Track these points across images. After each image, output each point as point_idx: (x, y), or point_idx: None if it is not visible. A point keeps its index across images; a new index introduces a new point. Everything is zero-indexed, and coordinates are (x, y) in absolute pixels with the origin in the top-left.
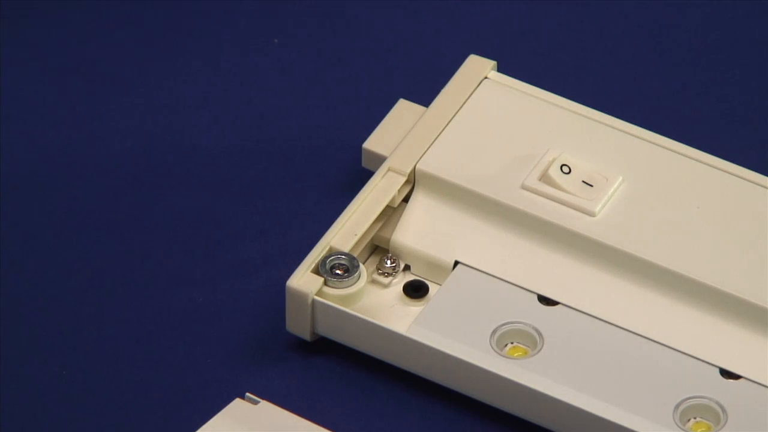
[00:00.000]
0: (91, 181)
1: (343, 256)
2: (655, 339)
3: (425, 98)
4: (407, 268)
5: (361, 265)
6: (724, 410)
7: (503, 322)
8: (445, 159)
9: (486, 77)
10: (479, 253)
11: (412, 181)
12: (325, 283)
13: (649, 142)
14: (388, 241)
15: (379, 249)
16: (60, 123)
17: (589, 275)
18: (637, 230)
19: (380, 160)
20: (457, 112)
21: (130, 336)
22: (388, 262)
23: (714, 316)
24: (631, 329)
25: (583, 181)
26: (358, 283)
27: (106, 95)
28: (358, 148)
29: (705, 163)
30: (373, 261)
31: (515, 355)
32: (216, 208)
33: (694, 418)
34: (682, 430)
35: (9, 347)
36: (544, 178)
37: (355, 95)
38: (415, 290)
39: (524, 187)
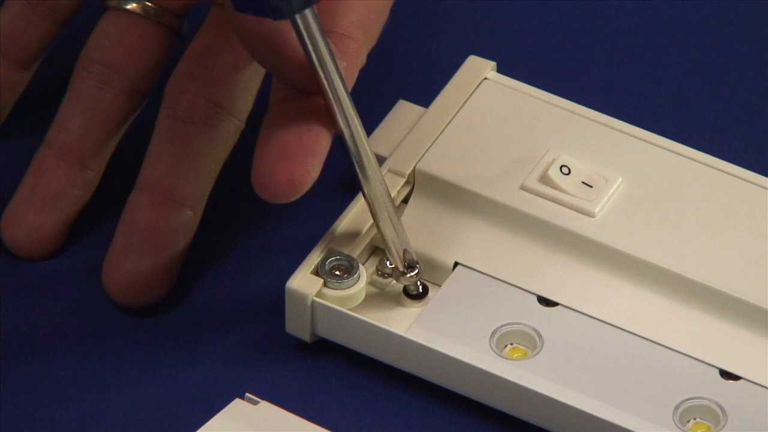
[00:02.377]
0: None
1: (343, 258)
2: (655, 339)
3: (425, 99)
4: None
5: (360, 266)
6: (723, 411)
7: (503, 323)
8: (444, 160)
9: (486, 78)
10: (479, 253)
11: (412, 182)
12: (325, 285)
13: (649, 142)
14: None
15: (378, 250)
16: None
17: (589, 276)
18: (637, 231)
19: (380, 160)
20: (456, 113)
21: (130, 336)
22: (388, 263)
23: (714, 316)
24: (630, 330)
25: (583, 182)
26: (357, 284)
27: None
28: None
29: (705, 164)
30: (373, 262)
31: (515, 356)
32: (215, 209)
33: (694, 418)
34: (682, 430)
35: (9, 347)
36: (544, 178)
37: (355, 95)
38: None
39: (524, 188)
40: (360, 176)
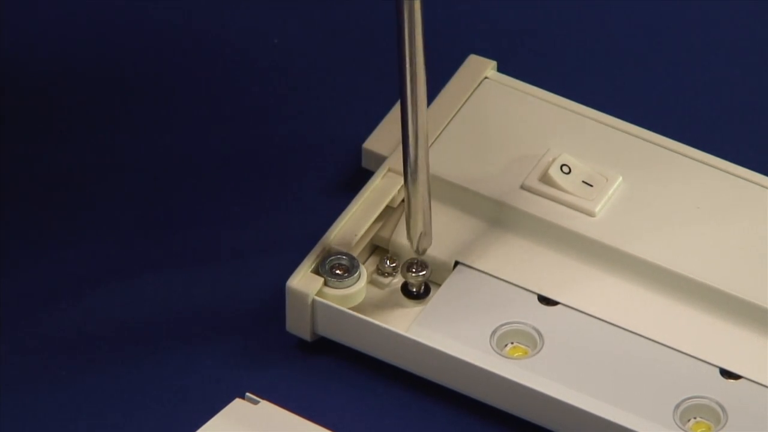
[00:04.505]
0: (91, 182)
1: (343, 257)
2: (655, 339)
3: None
4: None
5: (361, 265)
6: (724, 410)
7: (503, 322)
8: (444, 159)
9: (486, 77)
10: (479, 253)
11: None
12: (325, 284)
13: (649, 142)
14: (388, 241)
15: (379, 249)
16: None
17: (589, 275)
18: (637, 230)
19: (380, 160)
20: (457, 112)
21: (131, 336)
22: (388, 262)
23: (714, 316)
24: (630, 329)
25: (583, 181)
26: (358, 283)
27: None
28: (358, 148)
29: (705, 163)
30: (373, 261)
31: (515, 355)
32: (215, 208)
33: (694, 418)
34: (682, 430)
35: (9, 347)
36: (544, 178)
37: (355, 95)
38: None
39: (524, 187)
40: (410, 139)
